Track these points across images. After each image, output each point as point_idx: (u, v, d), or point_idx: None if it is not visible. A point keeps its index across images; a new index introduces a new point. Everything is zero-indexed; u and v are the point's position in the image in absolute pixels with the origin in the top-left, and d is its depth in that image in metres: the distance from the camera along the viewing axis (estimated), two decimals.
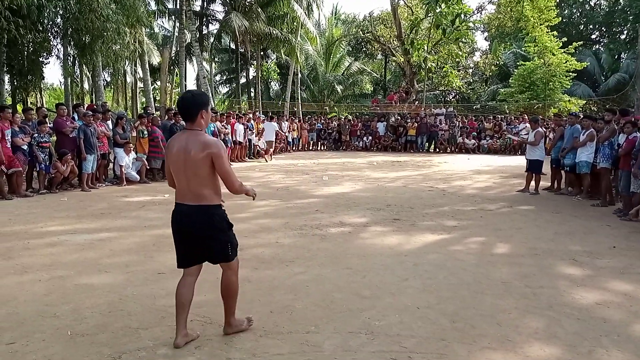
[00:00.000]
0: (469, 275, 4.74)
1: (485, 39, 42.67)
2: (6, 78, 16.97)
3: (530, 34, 27.26)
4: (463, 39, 29.15)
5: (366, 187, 10.94)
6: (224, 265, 3.38)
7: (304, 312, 3.79)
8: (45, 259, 5.15)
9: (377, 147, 24.02)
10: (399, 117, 25.17)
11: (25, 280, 4.49)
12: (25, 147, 9.25)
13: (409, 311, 3.83)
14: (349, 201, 8.99)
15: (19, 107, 21.08)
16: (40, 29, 14.88)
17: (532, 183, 10.32)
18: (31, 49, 15.61)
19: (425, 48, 26.78)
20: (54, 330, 3.43)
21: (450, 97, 40.79)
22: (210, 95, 25.76)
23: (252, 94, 33.91)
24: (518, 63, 29.96)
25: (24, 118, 10.16)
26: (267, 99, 37.27)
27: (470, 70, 40.24)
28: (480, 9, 33.08)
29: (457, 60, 31.65)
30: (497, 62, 34.05)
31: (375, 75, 41.96)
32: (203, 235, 3.23)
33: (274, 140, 18.78)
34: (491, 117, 24.73)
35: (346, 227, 6.79)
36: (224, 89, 42.36)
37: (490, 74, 35.81)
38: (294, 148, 23.21)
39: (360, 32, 37.29)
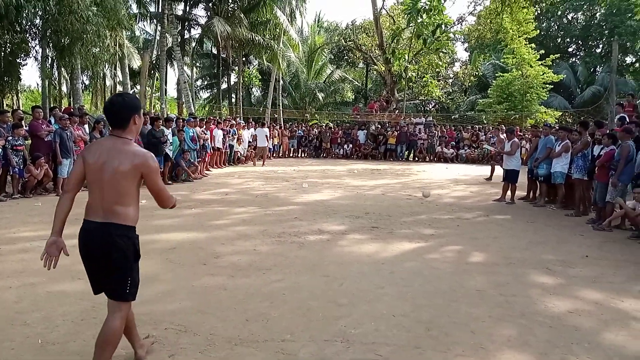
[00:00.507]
0: (445, 284, 4.79)
1: (465, 49, 43.35)
2: None
3: (509, 46, 27.75)
4: (443, 50, 29.56)
5: (345, 195, 10.97)
6: (116, 304, 2.79)
7: (280, 320, 3.79)
8: (16, 265, 5.05)
9: (357, 155, 24.13)
10: (379, 126, 25.34)
11: None
12: None
13: (384, 319, 3.85)
14: (328, 209, 9.01)
15: None
16: (18, 29, 14.66)
17: (508, 193, 10.49)
18: (8, 50, 15.37)
19: (406, 57, 27.06)
20: (24, 339, 3.36)
21: (430, 107, 41.22)
22: (191, 100, 25.59)
23: (233, 100, 33.79)
24: (497, 74, 30.46)
25: None
26: (249, 105, 37.17)
27: (450, 81, 40.77)
28: (460, 20, 33.57)
29: (437, 70, 32.06)
30: (477, 73, 34.59)
31: (357, 83, 42.21)
32: (105, 260, 2.73)
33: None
34: (469, 127, 25.07)
35: (324, 235, 6.80)
36: (205, 94, 42.11)
37: (470, 84, 36.34)
38: (274, 155, 23.16)
39: (343, 40, 37.50)
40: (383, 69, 28.21)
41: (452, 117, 33.80)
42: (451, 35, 30.96)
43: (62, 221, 2.85)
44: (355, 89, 42.52)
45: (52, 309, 3.89)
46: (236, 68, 32.74)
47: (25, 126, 10.45)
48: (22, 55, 17.15)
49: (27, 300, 4.10)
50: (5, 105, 25.14)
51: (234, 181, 13.47)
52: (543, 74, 27.53)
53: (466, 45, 41.99)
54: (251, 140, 20.41)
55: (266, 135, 19.35)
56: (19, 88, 30.98)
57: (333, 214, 8.51)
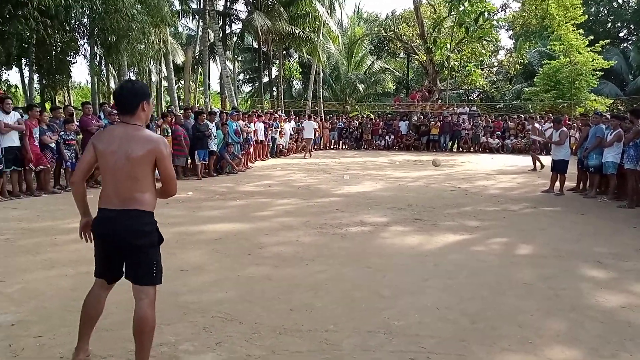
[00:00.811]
0: (491, 276, 4.70)
1: (509, 37, 42.11)
2: (35, 77, 17.41)
3: (555, 32, 26.77)
4: (487, 38, 28.75)
5: (387, 187, 10.91)
6: (143, 290, 2.81)
7: (324, 310, 3.82)
8: (71, 255, 5.27)
9: (399, 146, 23.92)
10: (422, 116, 25.01)
11: (53, 275, 4.60)
12: (53, 145, 9.48)
13: (428, 311, 3.82)
14: (370, 200, 8.99)
15: (47, 106, 21.58)
16: (68, 29, 15.22)
17: (557, 183, 10.17)
18: (59, 48, 15.99)
19: (448, 47, 26.52)
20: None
21: (474, 96, 40.31)
22: (234, 93, 25.96)
23: (275, 93, 34.06)
24: (543, 62, 29.45)
25: (51, 116, 10.40)
26: (289, 98, 37.39)
27: (494, 69, 39.70)
28: (504, 7, 32.47)
29: (480, 59, 31.26)
30: (522, 61, 33.52)
31: (398, 74, 41.72)
32: (130, 248, 2.75)
33: (313, 138, 20.31)
34: (515, 117, 24.39)
35: (366, 227, 6.79)
36: (246, 88, 42.63)
37: (515, 72, 35.27)
38: (315, 147, 23.26)
39: (383, 30, 37.10)
40: (424, 58, 27.78)
41: (497, 106, 32.93)
42: (494, 22, 30.01)
43: (85, 204, 2.93)
44: (396, 79, 42.05)
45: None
46: (277, 61, 32.95)
47: (76, 121, 10.88)
48: (72, 53, 17.83)
49: (82, 288, 4.25)
50: (57, 101, 26.19)
51: (276, 173, 13.61)
52: (592, 61, 26.41)
53: (510, 32, 40.78)
54: (293, 132, 20.60)
55: (314, 127, 20.31)
56: (69, 85, 32.17)
57: (375, 205, 8.48)
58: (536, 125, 15.90)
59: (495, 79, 39.48)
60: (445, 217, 7.56)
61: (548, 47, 30.51)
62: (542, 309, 3.91)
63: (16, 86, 22.76)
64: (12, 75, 78.16)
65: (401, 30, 33.63)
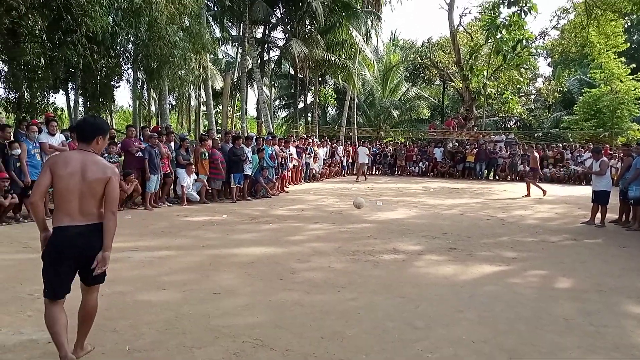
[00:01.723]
0: (528, 310, 4.55)
1: (548, 64, 41.51)
2: (80, 100, 18.11)
3: (596, 60, 26.28)
4: (524, 65, 28.51)
5: (421, 214, 10.78)
6: (96, 287, 3.38)
7: (355, 339, 3.76)
8: (107, 274, 5.35)
9: (433, 173, 23.69)
10: (457, 143, 24.76)
11: None
12: None
13: (463, 344, 3.72)
14: (403, 228, 8.89)
15: None
16: (113, 54, 15.84)
17: (598, 215, 9.84)
18: (104, 73, 16.62)
19: (485, 74, 26.36)
20: (113, 345, 3.56)
21: (511, 124, 39.74)
22: (270, 119, 26.38)
23: (309, 119, 34.42)
24: (583, 90, 28.91)
25: None
26: (324, 124, 37.67)
27: (532, 97, 39.12)
28: (543, 35, 32.16)
29: (518, 86, 30.91)
30: (561, 89, 32.98)
31: (433, 100, 41.61)
32: (93, 255, 3.14)
33: (366, 162, 21.26)
34: (554, 145, 23.87)
35: (400, 255, 6.71)
36: (282, 114, 43.24)
37: (553, 100, 34.69)
38: (348, 172, 23.28)
39: (419, 57, 37.22)
40: (460, 85, 27.65)
41: (535, 134, 32.34)
42: (533, 50, 29.76)
43: (44, 221, 3.21)
44: (431, 106, 41.93)
45: (139, 318, 4.10)
46: (312, 88, 33.38)
47: (118, 144, 11.21)
48: (116, 78, 18.48)
49: (116, 307, 4.35)
50: None
51: (309, 198, 13.65)
52: (635, 89, 25.75)
53: (549, 60, 40.22)
54: (326, 157, 20.71)
55: (366, 153, 21.13)
56: (112, 108, 33.34)
57: (408, 233, 8.37)
58: (535, 154, 16.33)
59: (533, 107, 38.88)
60: (482, 247, 7.40)
61: (588, 75, 29.96)
62: (583, 346, 3.75)
63: (62, 109, 23.75)
64: (59, 98, 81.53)
65: (437, 57, 33.66)
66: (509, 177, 22.44)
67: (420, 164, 24.07)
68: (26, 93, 15.21)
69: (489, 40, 25.28)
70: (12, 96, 15.66)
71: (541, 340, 3.84)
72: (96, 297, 3.38)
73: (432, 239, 7.84)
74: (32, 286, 4.74)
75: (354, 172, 23.74)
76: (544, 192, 15.03)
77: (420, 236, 8.08)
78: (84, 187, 3.07)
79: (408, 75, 41.34)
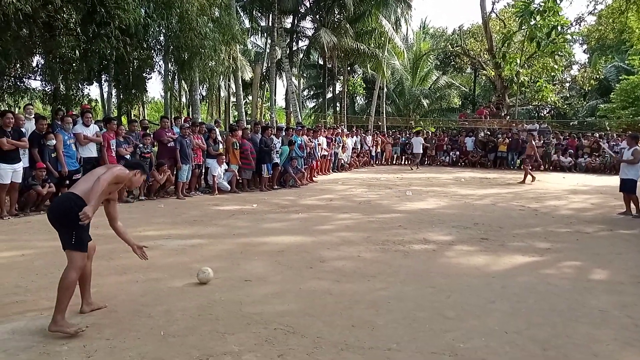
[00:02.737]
0: (562, 301, 4.46)
1: (584, 51, 40.29)
2: (113, 92, 18.48)
3: (634, 47, 25.34)
4: (559, 52, 27.66)
5: (452, 204, 10.65)
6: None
7: (386, 328, 3.76)
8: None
9: (464, 162, 23.36)
10: (489, 133, 24.33)
11: (124, 281, 4.82)
12: (128, 156, 9.99)
13: (495, 335, 3.67)
14: (434, 218, 8.80)
15: (124, 119, 22.84)
16: (145, 46, 16.08)
17: (633, 205, 9.54)
18: (136, 65, 16.90)
19: (518, 61, 25.73)
20: (148, 330, 3.64)
21: (545, 112, 38.83)
22: (298, 109, 26.42)
23: (338, 108, 34.33)
24: (620, 77, 27.95)
25: (127, 129, 10.98)
26: (352, 113, 37.55)
27: (567, 85, 38.10)
28: (579, 20, 31.13)
29: (552, 74, 30.09)
30: (597, 76, 31.97)
31: (464, 89, 40.94)
32: None
33: (420, 152, 22.08)
34: (589, 134, 23.21)
35: (430, 245, 6.65)
36: (310, 104, 43.29)
37: (589, 88, 33.69)
38: (377, 162, 23.16)
39: (449, 45, 36.60)
40: (493, 73, 27.11)
41: (570, 123, 31.51)
42: (568, 37, 28.84)
43: None
44: (462, 94, 41.29)
45: (173, 304, 4.19)
46: (341, 77, 33.24)
47: (150, 135, 11.42)
48: (148, 69, 18.78)
49: (151, 294, 4.45)
50: (132, 115, 27.65)
51: (337, 188, 13.65)
52: None
53: (585, 46, 39.02)
54: (355, 147, 20.65)
55: (421, 143, 21.93)
56: (144, 99, 33.91)
57: (439, 223, 8.29)
58: (534, 142, 17.10)
59: (567, 95, 37.90)
60: (514, 237, 7.28)
61: (626, 61, 28.96)
62: (619, 338, 3.66)
63: (96, 100, 24.31)
64: (93, 90, 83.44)
65: (468, 45, 33.03)
66: (542, 166, 21.96)
67: (451, 154, 23.76)
68: (61, 85, 15.64)
69: (523, 27, 24.68)
70: (48, 88, 16.14)
71: (576, 332, 3.76)
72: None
73: (463, 229, 7.75)
74: None
75: (383, 161, 23.66)
76: (533, 178, 15.90)
77: (451, 226, 7.99)
78: None
79: (438, 63, 40.74)
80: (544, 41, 23.64)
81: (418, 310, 4.15)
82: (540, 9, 22.48)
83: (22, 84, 15.85)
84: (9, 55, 11.60)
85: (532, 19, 23.02)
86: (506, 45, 26.22)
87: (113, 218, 4.08)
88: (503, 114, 26.12)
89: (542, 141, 22.27)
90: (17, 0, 9.52)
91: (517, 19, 25.16)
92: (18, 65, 14.81)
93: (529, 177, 15.86)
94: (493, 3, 28.61)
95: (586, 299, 4.55)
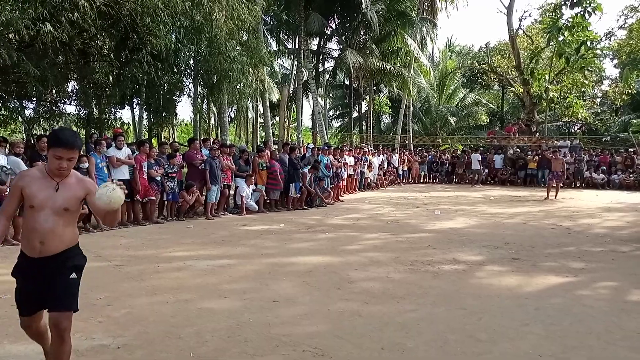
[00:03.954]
0: (599, 324, 4.32)
1: (614, 66, 39.44)
2: (144, 115, 18.93)
3: None
4: (589, 68, 27.24)
5: (481, 223, 10.49)
6: None
7: (416, 351, 3.70)
8: (172, 282, 5.57)
9: (493, 180, 23.02)
10: (518, 150, 23.95)
11: (155, 302, 4.88)
12: (158, 178, 10.19)
13: (529, 359, 3.57)
14: (463, 237, 8.68)
15: (154, 142, 23.31)
16: (175, 70, 16.45)
17: None
18: (167, 89, 17.29)
19: (547, 78, 25.40)
20: (179, 351, 3.66)
21: (575, 129, 38.06)
22: (325, 129, 26.55)
23: (364, 127, 34.37)
24: None
25: (157, 152, 11.20)
26: (378, 132, 37.52)
27: (598, 100, 37.32)
28: (609, 35, 30.62)
29: (582, 89, 29.58)
30: (629, 91, 31.24)
31: (492, 106, 40.51)
32: None
33: (480, 169, 22.26)
34: (622, 150, 22.62)
35: (460, 265, 6.55)
36: (336, 123, 43.44)
37: (621, 103, 32.91)
38: (403, 180, 23.02)
39: (476, 63, 36.39)
40: (521, 90, 26.80)
41: (602, 139, 30.79)
42: (598, 51, 28.38)
43: None
44: (490, 112, 40.85)
45: (203, 325, 4.21)
46: (367, 97, 33.34)
47: (180, 156, 11.63)
48: (178, 93, 19.19)
49: (181, 315, 4.49)
50: (162, 137, 28.21)
51: (364, 207, 13.60)
52: None
53: (616, 61, 38.25)
54: (381, 166, 20.60)
55: (478, 160, 22.01)
56: (174, 122, 34.58)
57: (469, 243, 8.17)
58: (560, 157, 17.03)
59: (599, 111, 37.09)
60: (546, 257, 7.11)
61: None
62: None
63: (128, 123, 24.93)
64: (124, 114, 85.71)
65: (496, 62, 32.80)
66: (573, 184, 21.47)
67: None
68: (95, 109, 16.11)
69: (551, 43, 24.41)
70: (82, 112, 16.65)
71: (614, 356, 3.64)
72: None
73: (494, 249, 7.61)
74: (103, 293, 4.99)
75: (410, 180, 23.51)
76: (547, 197, 15.85)
77: (481, 246, 7.86)
78: None
79: (465, 81, 40.51)
80: (573, 57, 23.28)
81: (449, 333, 4.08)
82: (569, 25, 22.19)
83: (57, 109, 16.39)
84: (46, 81, 12.01)
85: (561, 35, 22.71)
86: (534, 61, 25.96)
87: None
88: (533, 131, 25.74)
89: (573, 158, 21.83)
90: (55, 29, 9.89)
91: (544, 35, 24.91)
92: (54, 90, 15.34)
93: (544, 194, 16.14)
94: (520, 20, 28.38)
95: (624, 321, 4.40)
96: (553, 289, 5.45)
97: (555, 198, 15.54)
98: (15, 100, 15.40)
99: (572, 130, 37.27)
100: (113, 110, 17.16)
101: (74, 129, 19.12)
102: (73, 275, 2.92)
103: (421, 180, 24.15)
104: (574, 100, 28.46)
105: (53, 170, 2.85)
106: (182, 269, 6.24)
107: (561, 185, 16.35)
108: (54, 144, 2.83)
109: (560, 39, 22.57)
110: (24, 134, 20.51)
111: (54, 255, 2.86)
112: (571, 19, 21.64)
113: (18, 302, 2.93)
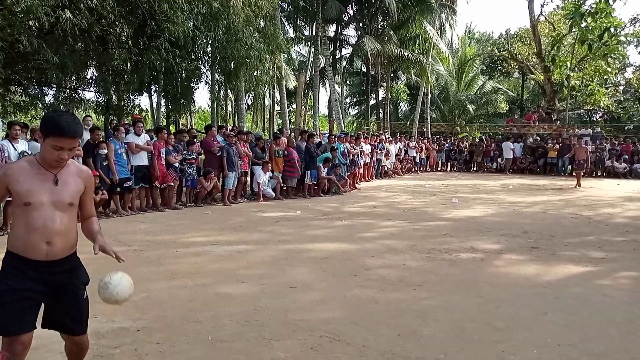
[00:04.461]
0: (619, 314, 4.26)
1: (639, 53, 38.59)
2: (162, 102, 19.05)
3: None
4: (612, 55, 26.62)
5: (500, 212, 10.38)
6: None
7: (433, 338, 3.69)
8: (190, 267, 5.63)
9: (512, 169, 22.75)
10: (538, 138, 23.61)
11: (173, 286, 4.93)
12: (177, 164, 10.27)
13: (548, 347, 3.54)
14: (481, 226, 8.60)
15: (172, 128, 23.48)
16: (193, 57, 16.50)
17: None
18: (184, 75, 17.37)
19: (568, 65, 24.91)
20: (196, 335, 3.71)
21: (597, 117, 37.37)
22: (341, 116, 26.46)
23: (381, 115, 34.17)
24: None
25: (174, 139, 11.28)
26: (396, 120, 37.27)
27: (621, 88, 36.53)
28: (634, 21, 29.86)
29: (605, 77, 28.95)
30: None
31: (512, 94, 39.94)
32: None
33: (511, 157, 22.22)
34: None
35: (478, 253, 6.50)
36: (353, 111, 43.24)
37: None
38: (421, 168, 22.88)
39: (496, 50, 35.84)
40: (542, 78, 26.35)
41: (625, 127, 30.19)
42: (622, 38, 27.69)
43: None
44: (509, 99, 40.29)
45: (220, 309, 4.25)
46: (384, 84, 33.10)
47: (198, 143, 11.69)
48: (195, 80, 19.26)
49: (199, 299, 4.54)
50: (180, 124, 28.39)
51: (381, 195, 13.56)
52: None
53: None
54: (398, 153, 20.49)
55: (510, 148, 22.03)
56: (192, 109, 34.74)
57: (487, 231, 8.09)
58: (583, 145, 17.24)
59: (622, 99, 36.33)
60: (566, 246, 7.02)
61: None
62: None
63: (146, 110, 25.13)
64: (143, 100, 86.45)
65: (516, 49, 32.24)
66: (594, 173, 21.12)
67: (499, 160, 23.19)
68: (113, 96, 16.26)
69: (573, 30, 23.85)
70: (101, 99, 16.82)
71: (635, 346, 3.58)
72: None
73: (512, 238, 7.54)
74: None
75: (427, 168, 23.37)
76: (579, 186, 15.77)
77: (500, 234, 7.78)
78: None
79: (484, 68, 39.95)
80: (596, 43, 22.75)
81: (466, 321, 4.06)
82: (592, 11, 21.66)
83: (76, 95, 16.58)
84: (65, 68, 12.14)
85: (583, 21, 22.19)
86: (556, 48, 25.44)
87: None
88: (553, 119, 25.33)
89: (594, 146, 21.45)
90: (74, 16, 9.96)
91: (567, 21, 24.36)
92: (73, 77, 15.51)
93: (563, 182, 16.42)
94: (542, 6, 27.85)
95: None
96: (572, 279, 5.39)
97: (579, 186, 15.50)
98: (36, 87, 15.60)
99: (594, 119, 36.61)
100: (131, 97, 17.32)
101: (93, 115, 19.36)
102: (85, 294, 2.70)
103: (439, 169, 23.98)
104: (596, 88, 27.91)
105: (50, 162, 2.47)
106: (200, 254, 6.30)
107: (583, 173, 16.13)
108: (53, 133, 2.40)
109: (582, 25, 22.07)
110: None
111: (60, 260, 2.53)
112: (594, 5, 21.11)
113: (4, 316, 2.40)
